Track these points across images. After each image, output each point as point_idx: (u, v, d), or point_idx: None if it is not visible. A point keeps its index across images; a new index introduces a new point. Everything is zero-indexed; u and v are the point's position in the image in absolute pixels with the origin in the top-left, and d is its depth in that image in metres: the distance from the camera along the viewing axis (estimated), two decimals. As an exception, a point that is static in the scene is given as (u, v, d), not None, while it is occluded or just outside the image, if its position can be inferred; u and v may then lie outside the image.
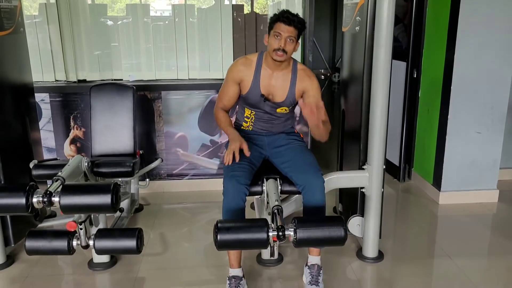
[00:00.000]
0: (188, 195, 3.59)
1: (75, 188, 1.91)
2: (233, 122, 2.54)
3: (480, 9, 3.05)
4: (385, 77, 2.34)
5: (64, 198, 1.84)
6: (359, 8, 2.44)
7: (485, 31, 3.09)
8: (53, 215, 3.04)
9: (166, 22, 3.58)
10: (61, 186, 1.93)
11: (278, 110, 2.43)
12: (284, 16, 2.22)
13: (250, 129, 2.52)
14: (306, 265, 2.38)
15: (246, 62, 2.40)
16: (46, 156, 3.34)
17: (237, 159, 2.21)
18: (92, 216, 2.23)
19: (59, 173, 2.05)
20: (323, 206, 2.23)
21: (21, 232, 2.56)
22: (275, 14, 2.28)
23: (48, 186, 1.92)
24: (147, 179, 3.24)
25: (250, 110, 2.47)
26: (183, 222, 3.16)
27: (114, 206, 1.86)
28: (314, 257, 2.37)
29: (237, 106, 2.58)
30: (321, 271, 2.33)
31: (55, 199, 1.86)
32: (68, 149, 3.46)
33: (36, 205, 1.86)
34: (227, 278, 2.31)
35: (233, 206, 2.16)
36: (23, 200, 1.83)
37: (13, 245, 2.62)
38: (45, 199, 1.86)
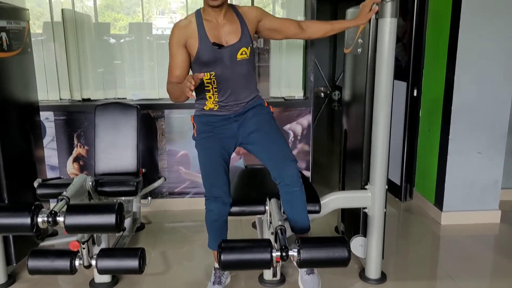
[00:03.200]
0: (189, 214, 3.58)
1: (79, 208, 1.92)
2: (196, 109, 2.37)
3: (480, 29, 3.09)
4: (387, 99, 2.37)
5: (69, 218, 1.85)
6: (361, 31, 2.49)
7: (485, 52, 3.13)
8: (54, 234, 3.04)
9: (167, 40, 3.61)
10: (65, 206, 1.94)
11: (239, 56, 2.21)
12: None
13: (216, 108, 2.27)
14: None
15: (184, 22, 2.22)
16: (49, 174, 3.35)
17: (197, 79, 1.97)
18: (95, 235, 2.23)
19: (64, 193, 2.06)
20: (303, 199, 2.25)
21: (23, 251, 2.56)
22: None
23: (53, 206, 1.93)
24: (149, 198, 3.25)
25: (208, 73, 2.19)
26: (184, 241, 3.15)
27: (118, 226, 1.87)
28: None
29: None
30: None
31: (60, 219, 1.87)
32: (71, 167, 3.47)
33: (41, 225, 1.87)
34: (213, 269, 2.44)
35: (217, 222, 2.30)
36: (28, 220, 1.83)
37: (14, 264, 2.61)
38: (50, 219, 1.87)
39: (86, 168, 3.46)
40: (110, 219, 1.85)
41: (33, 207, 1.86)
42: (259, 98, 2.38)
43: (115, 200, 2.46)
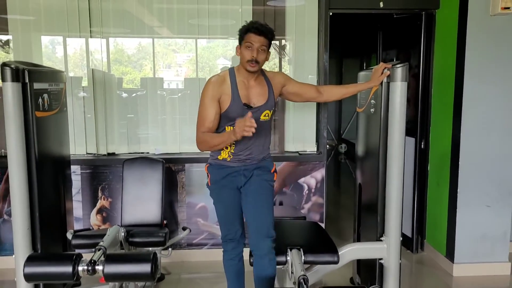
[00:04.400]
0: (206, 265, 3.66)
1: (117, 257, 2.06)
2: (210, 158, 2.53)
3: (484, 86, 3.29)
4: (400, 155, 2.56)
5: (108, 267, 1.98)
6: (374, 93, 2.70)
7: (490, 108, 3.32)
8: (78, 285, 3.11)
9: (179, 94, 3.82)
10: (103, 255, 2.07)
11: (262, 117, 2.44)
12: (254, 27, 2.29)
13: (229, 159, 2.44)
14: None
15: (219, 79, 2.40)
16: (75, 225, 3.48)
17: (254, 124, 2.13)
18: (123, 285, 2.34)
19: (101, 243, 2.19)
20: (271, 271, 2.42)
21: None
22: (244, 26, 2.33)
23: (92, 255, 2.06)
24: (169, 249, 3.35)
25: (231, 127, 2.35)
26: (203, 292, 3.22)
27: (153, 275, 1.99)
28: None
29: None
30: None
31: (99, 267, 2.00)
32: (95, 218, 3.60)
33: (81, 274, 1.99)
34: None
35: (233, 261, 2.54)
36: (70, 269, 1.97)
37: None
38: (90, 268, 1.99)
39: (108, 219, 3.59)
40: (146, 268, 1.98)
41: (74, 257, 2.00)
42: (269, 158, 2.57)
43: (144, 250, 2.59)
